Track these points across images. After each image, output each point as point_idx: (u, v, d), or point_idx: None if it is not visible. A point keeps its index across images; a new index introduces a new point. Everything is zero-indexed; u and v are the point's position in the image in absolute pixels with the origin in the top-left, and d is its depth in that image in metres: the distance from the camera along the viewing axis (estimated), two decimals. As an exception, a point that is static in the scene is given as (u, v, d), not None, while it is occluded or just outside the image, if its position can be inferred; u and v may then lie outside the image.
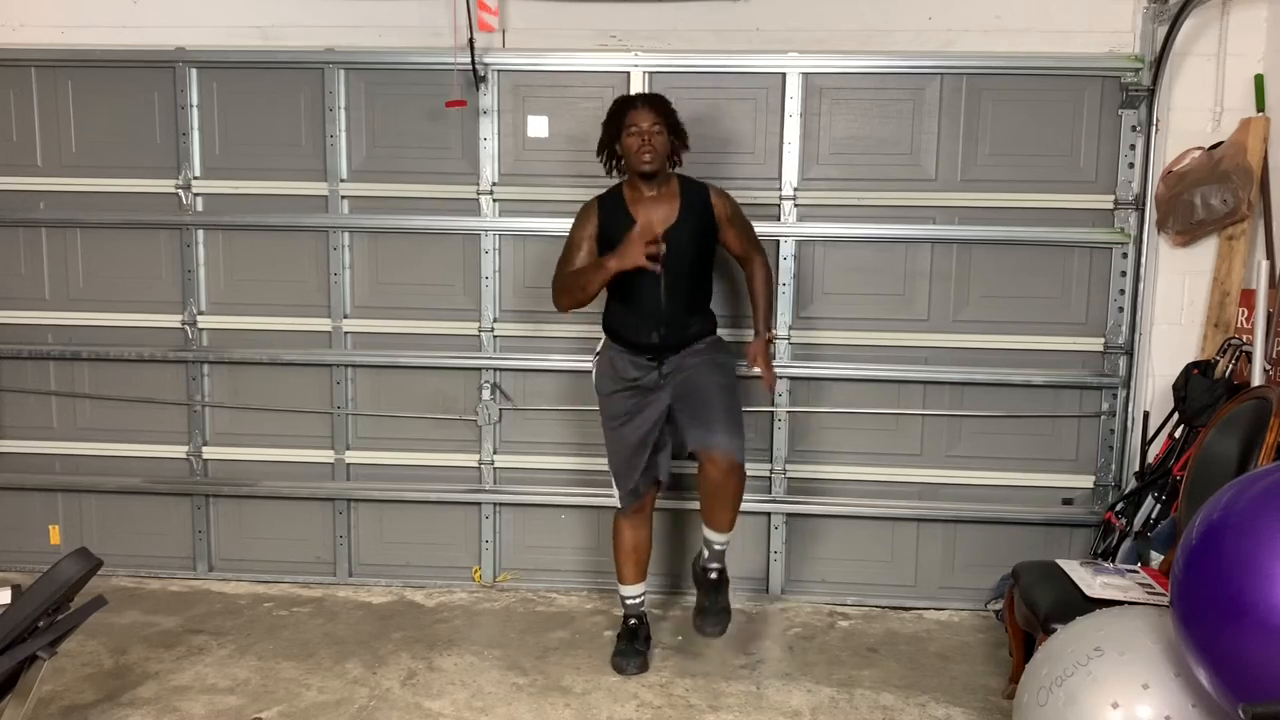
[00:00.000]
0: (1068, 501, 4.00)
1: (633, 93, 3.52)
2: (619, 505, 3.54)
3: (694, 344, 3.41)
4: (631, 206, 3.37)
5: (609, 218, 3.39)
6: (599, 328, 3.57)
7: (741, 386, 3.55)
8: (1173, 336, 3.86)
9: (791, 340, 3.98)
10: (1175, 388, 3.58)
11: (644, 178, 3.35)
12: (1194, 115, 3.78)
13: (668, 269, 3.30)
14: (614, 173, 3.46)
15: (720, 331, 3.58)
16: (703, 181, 3.48)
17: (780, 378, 3.98)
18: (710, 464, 3.21)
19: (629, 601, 3.61)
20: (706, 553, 3.39)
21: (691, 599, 3.64)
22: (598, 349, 3.52)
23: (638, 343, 3.39)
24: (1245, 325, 3.57)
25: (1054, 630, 2.67)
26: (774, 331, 3.64)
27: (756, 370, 3.41)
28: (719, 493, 3.24)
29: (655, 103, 3.36)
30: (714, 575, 3.39)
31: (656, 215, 3.34)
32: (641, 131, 3.29)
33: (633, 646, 3.53)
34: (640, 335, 3.38)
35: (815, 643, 3.73)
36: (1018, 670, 3.03)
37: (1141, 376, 3.90)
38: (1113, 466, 3.96)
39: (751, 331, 3.86)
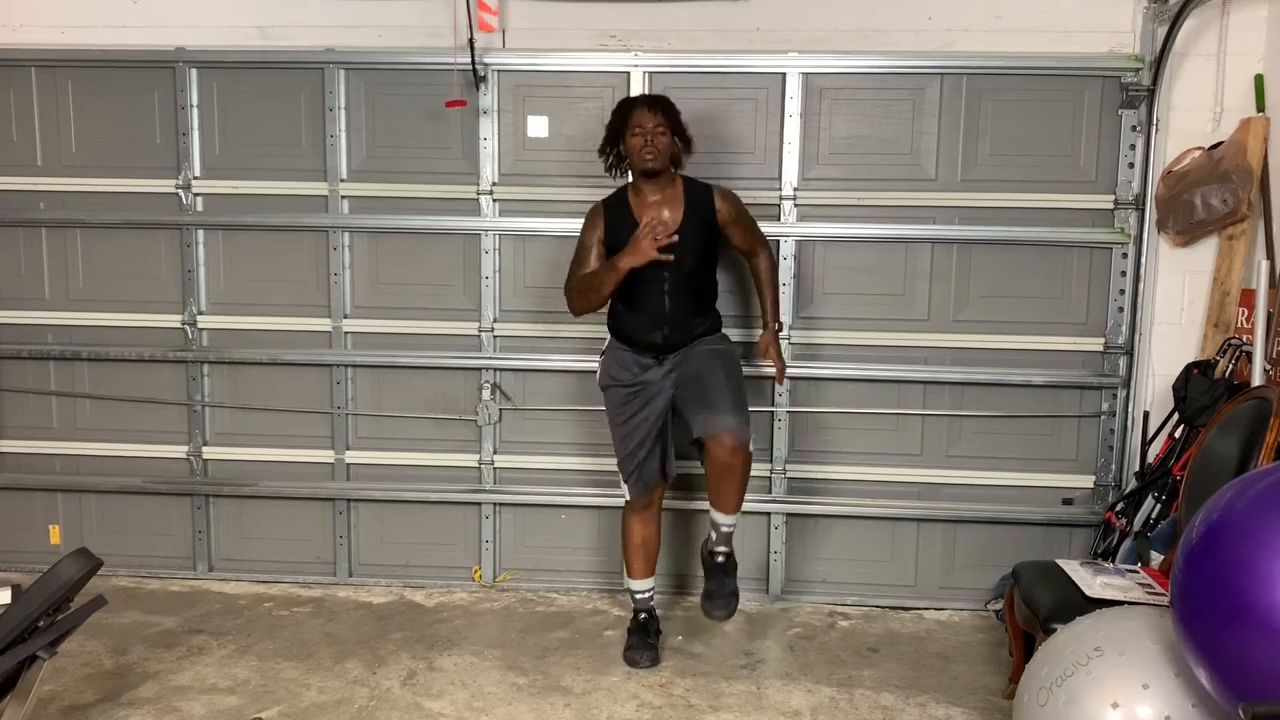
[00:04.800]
0: (1068, 501, 4.00)
1: (636, 94, 3.54)
2: (627, 498, 3.52)
3: (698, 342, 3.43)
4: (636, 209, 3.38)
5: (614, 221, 3.40)
6: (599, 328, 3.58)
7: (746, 381, 3.52)
8: (1173, 336, 3.86)
9: (792, 340, 3.98)
10: (1175, 388, 3.58)
11: (647, 177, 3.36)
12: (1194, 115, 3.78)
13: (671, 271, 3.31)
14: (615, 173, 3.47)
15: (731, 332, 3.61)
16: (707, 183, 3.48)
17: (781, 376, 4.01)
18: (716, 445, 3.22)
19: (639, 596, 3.60)
20: (714, 535, 3.43)
21: (696, 598, 3.65)
22: (604, 348, 3.53)
23: (642, 342, 3.40)
24: (1245, 325, 3.57)
25: (1054, 630, 2.67)
26: (781, 323, 3.66)
27: (768, 363, 3.51)
28: (726, 473, 3.26)
29: (659, 104, 3.37)
30: (721, 559, 3.44)
31: (660, 217, 3.33)
32: (645, 131, 3.30)
33: (644, 640, 3.55)
34: (645, 335, 3.39)
35: (815, 643, 3.73)
36: (1018, 670, 3.03)
37: (1141, 376, 3.90)
38: (1113, 466, 3.96)
39: (760, 329, 3.88)
